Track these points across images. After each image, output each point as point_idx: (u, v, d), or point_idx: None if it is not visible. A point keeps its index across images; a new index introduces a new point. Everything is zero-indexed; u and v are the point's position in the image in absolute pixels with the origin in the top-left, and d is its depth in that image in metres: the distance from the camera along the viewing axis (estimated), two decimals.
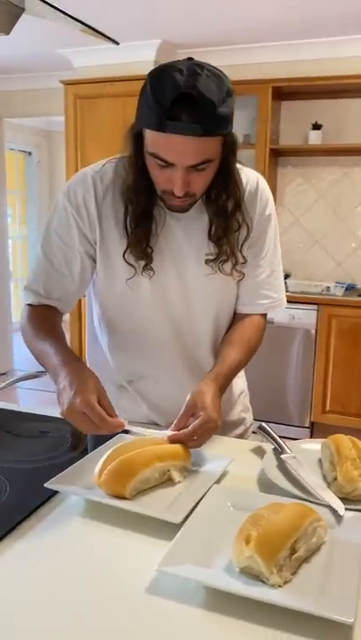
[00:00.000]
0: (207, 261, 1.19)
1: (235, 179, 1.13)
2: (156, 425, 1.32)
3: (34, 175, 6.82)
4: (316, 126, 3.69)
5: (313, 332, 3.46)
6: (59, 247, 1.20)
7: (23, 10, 0.96)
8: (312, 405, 3.53)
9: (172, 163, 1.01)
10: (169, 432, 1.07)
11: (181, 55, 3.85)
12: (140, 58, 3.76)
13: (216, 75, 1.00)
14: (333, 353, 3.46)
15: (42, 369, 1.30)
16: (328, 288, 3.59)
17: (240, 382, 1.42)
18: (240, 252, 1.18)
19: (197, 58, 1.03)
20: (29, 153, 6.75)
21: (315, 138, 3.69)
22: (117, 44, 1.00)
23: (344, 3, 3.03)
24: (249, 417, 1.44)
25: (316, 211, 3.89)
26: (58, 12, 0.85)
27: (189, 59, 1.03)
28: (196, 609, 0.72)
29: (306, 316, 3.44)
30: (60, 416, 1.32)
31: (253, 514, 0.82)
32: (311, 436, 3.52)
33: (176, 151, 1.00)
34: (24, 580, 0.77)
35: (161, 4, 3.11)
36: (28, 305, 1.24)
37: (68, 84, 3.86)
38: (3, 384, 1.38)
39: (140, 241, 1.14)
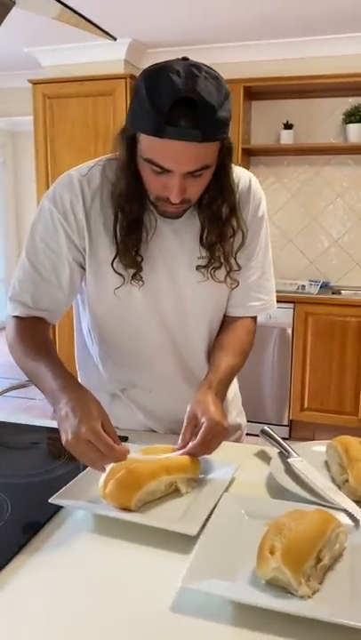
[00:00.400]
0: (198, 267, 1.15)
1: (230, 184, 1.09)
2: (153, 432, 1.28)
3: None
4: (288, 126, 3.71)
5: (289, 330, 3.48)
6: (46, 255, 1.14)
7: (14, 3, 0.91)
8: (290, 403, 3.55)
9: (170, 169, 0.97)
10: (177, 453, 1.02)
11: (151, 55, 3.83)
12: (109, 57, 3.72)
13: (214, 76, 0.96)
14: (310, 351, 3.48)
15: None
16: (303, 287, 3.61)
17: (233, 386, 1.39)
18: (234, 259, 1.15)
19: (167, 57, 0.98)
20: None
21: (286, 137, 3.70)
22: (115, 39, 0.95)
23: (312, 4, 3.06)
24: (243, 420, 1.41)
25: (289, 210, 3.91)
26: (57, 3, 0.80)
27: (184, 58, 0.99)
28: (224, 625, 0.69)
29: (282, 315, 3.46)
30: (47, 426, 1.30)
31: (275, 522, 0.80)
32: (290, 435, 3.55)
33: (174, 157, 0.96)
34: (38, 606, 0.73)
35: (131, 3, 3.07)
36: (15, 317, 1.17)
37: (36, 83, 3.77)
38: None
39: (130, 249, 1.10)
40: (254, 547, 0.78)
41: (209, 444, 1.01)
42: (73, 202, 1.11)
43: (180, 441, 1.03)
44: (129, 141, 1.01)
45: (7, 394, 4.04)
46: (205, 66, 0.96)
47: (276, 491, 1.00)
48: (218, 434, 1.02)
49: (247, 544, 0.82)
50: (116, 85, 3.59)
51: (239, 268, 1.17)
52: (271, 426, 1.37)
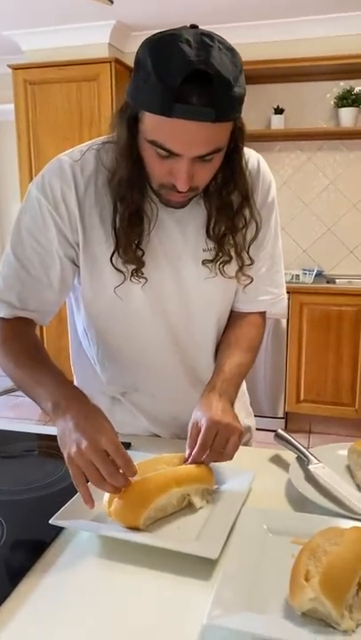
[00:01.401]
0: (205, 262, 1.04)
1: (242, 169, 0.98)
2: (157, 437, 1.19)
3: None
4: (278, 110, 3.61)
5: (284, 321, 3.40)
6: (33, 250, 1.02)
7: None
8: (286, 395, 3.48)
9: (178, 153, 0.86)
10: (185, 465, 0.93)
11: (136, 38, 3.70)
12: (93, 40, 3.58)
13: (228, 47, 0.84)
14: (306, 341, 3.41)
15: None
16: (297, 276, 3.53)
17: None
18: (247, 252, 1.05)
19: None
20: None
21: (277, 122, 3.60)
22: (112, 2, 0.84)
23: None
24: (253, 422, 1.32)
25: (281, 197, 3.76)
26: None
27: (193, 26, 0.87)
28: None
29: None
30: (40, 433, 1.19)
31: (308, 544, 0.71)
32: (286, 427, 3.48)
33: (183, 139, 0.84)
34: (49, 633, 0.63)
35: None
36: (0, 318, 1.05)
37: (16, 68, 3.62)
38: None
39: (131, 242, 0.98)
40: (283, 569, 0.70)
41: (216, 447, 0.92)
42: (64, 190, 0.99)
43: (186, 452, 0.94)
44: (130, 121, 0.89)
45: None
46: (218, 35, 0.84)
47: (298, 501, 0.92)
48: (222, 433, 0.92)
49: (275, 566, 0.74)
50: (100, 70, 3.46)
51: (252, 262, 1.06)
52: (267, 418, 1.30)
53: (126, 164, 0.93)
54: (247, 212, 1.01)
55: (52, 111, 3.59)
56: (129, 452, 0.85)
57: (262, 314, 1.20)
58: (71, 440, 0.83)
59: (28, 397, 0.98)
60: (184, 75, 0.79)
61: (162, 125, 0.84)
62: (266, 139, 3.72)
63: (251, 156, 1.07)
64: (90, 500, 0.82)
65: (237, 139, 0.93)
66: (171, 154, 0.87)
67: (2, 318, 1.05)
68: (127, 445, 1.09)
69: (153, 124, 0.85)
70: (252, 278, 1.09)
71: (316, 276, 3.58)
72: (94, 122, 3.50)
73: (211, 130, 0.84)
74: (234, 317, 1.18)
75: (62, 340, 1.10)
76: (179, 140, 0.85)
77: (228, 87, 0.82)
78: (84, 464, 0.81)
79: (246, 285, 1.10)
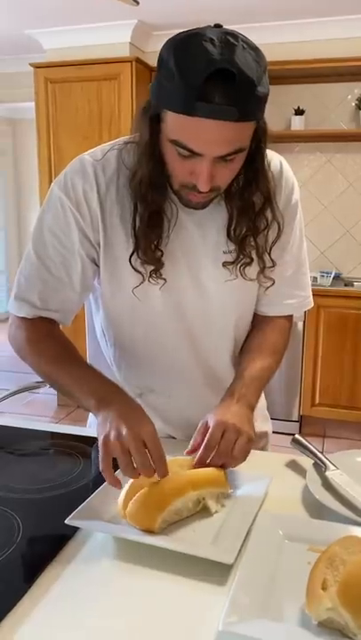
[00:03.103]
0: (225, 264, 1.03)
1: (265, 169, 0.97)
2: (172, 438, 1.18)
3: None
4: (299, 111, 3.59)
5: (300, 323, 3.37)
6: (55, 249, 1.02)
7: None
8: (301, 399, 3.45)
9: (200, 153, 0.85)
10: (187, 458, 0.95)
11: (158, 37, 3.70)
12: (114, 39, 3.59)
13: (253, 46, 0.83)
14: (322, 345, 3.38)
15: (39, 379, 1.15)
16: (315, 278, 3.50)
17: None
18: (269, 255, 1.04)
19: None
20: None
21: (297, 123, 3.59)
22: (137, 3, 0.84)
23: None
24: (269, 428, 1.31)
25: (300, 198, 3.78)
26: None
27: (217, 25, 0.86)
28: None
29: None
30: (55, 431, 1.19)
31: (325, 553, 0.70)
32: (300, 430, 3.46)
33: (206, 139, 0.84)
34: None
35: None
36: (21, 317, 1.05)
37: (38, 67, 3.64)
38: (0, 397, 1.22)
39: (151, 242, 0.98)
40: (299, 576, 0.70)
41: (222, 449, 0.92)
42: (86, 190, 0.99)
43: (190, 445, 0.96)
44: (152, 121, 0.89)
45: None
46: (241, 34, 0.84)
47: (315, 508, 0.90)
48: (229, 435, 0.92)
49: (291, 573, 0.73)
50: (121, 69, 3.46)
51: (274, 264, 1.05)
52: (281, 421, 1.30)
53: (147, 163, 0.93)
54: (269, 214, 1.00)
55: (73, 110, 3.60)
56: None
57: (288, 317, 1.19)
58: (111, 426, 0.85)
59: (63, 394, 1.01)
60: (207, 73, 0.79)
61: (184, 124, 0.84)
62: (286, 140, 3.69)
63: (273, 158, 1.06)
64: (117, 482, 0.84)
65: (260, 139, 0.92)
66: (192, 154, 0.86)
67: (23, 319, 1.05)
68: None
69: (175, 124, 0.85)
70: (274, 280, 1.08)
71: (333, 278, 3.55)
72: (114, 121, 3.51)
73: (233, 129, 0.83)
74: (259, 322, 1.17)
75: (78, 340, 1.10)
76: (201, 140, 0.84)
77: (252, 86, 0.81)
78: (119, 449, 0.83)
79: (268, 287, 1.09)
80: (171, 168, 0.92)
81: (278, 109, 3.63)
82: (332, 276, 3.54)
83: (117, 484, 0.84)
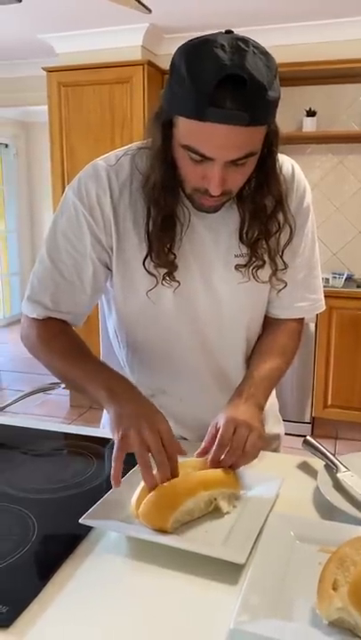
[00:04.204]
0: (238, 267, 1.05)
1: (276, 173, 0.98)
2: (184, 439, 1.19)
3: (11, 168, 6.60)
4: (311, 113, 3.59)
5: (313, 325, 3.37)
6: (68, 253, 1.04)
7: None
8: (313, 400, 3.45)
9: (211, 157, 0.87)
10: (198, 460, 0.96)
11: (170, 41, 3.71)
12: (126, 43, 3.61)
13: (263, 51, 0.84)
14: (334, 346, 3.37)
15: (54, 380, 1.17)
16: (327, 280, 3.49)
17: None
18: (281, 257, 1.05)
19: None
20: (6, 145, 6.52)
21: (309, 125, 3.58)
22: (149, 11, 0.85)
23: None
24: (281, 430, 1.31)
25: (312, 201, 3.78)
26: None
27: (228, 31, 0.88)
28: None
29: None
30: (68, 432, 1.21)
31: (336, 553, 0.71)
32: (312, 432, 3.45)
33: (217, 143, 0.85)
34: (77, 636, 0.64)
35: None
36: (34, 318, 1.08)
37: (50, 71, 3.67)
38: (15, 397, 1.23)
39: (164, 246, 1.00)
40: (310, 577, 0.70)
41: (234, 446, 0.93)
42: (100, 195, 1.01)
43: (202, 445, 0.97)
44: (164, 126, 0.90)
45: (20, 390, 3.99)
46: (252, 40, 0.85)
47: (326, 509, 0.91)
48: (240, 431, 0.94)
49: (302, 573, 0.74)
50: (133, 72, 3.48)
51: (286, 266, 1.06)
52: (293, 423, 1.31)
53: (160, 168, 0.94)
54: (281, 217, 1.01)
55: (85, 113, 3.63)
56: None
57: (299, 320, 1.20)
58: (130, 421, 0.88)
59: (75, 389, 1.03)
60: (218, 79, 0.80)
61: (195, 130, 0.85)
62: (297, 141, 3.70)
63: (285, 162, 1.07)
64: (118, 479, 0.86)
65: (271, 143, 0.93)
66: (204, 158, 0.87)
67: (35, 319, 1.07)
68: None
69: (187, 129, 0.86)
70: (286, 283, 1.09)
71: (346, 279, 3.54)
72: (126, 124, 3.53)
73: (244, 134, 0.84)
74: (270, 324, 1.18)
75: (91, 340, 1.11)
76: (212, 145, 0.85)
77: (263, 91, 0.82)
78: (138, 444, 0.86)
79: (280, 290, 1.10)
80: (183, 173, 0.93)
81: (290, 111, 3.63)
82: (345, 277, 3.53)
83: (117, 482, 0.86)
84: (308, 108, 3.59)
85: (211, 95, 0.81)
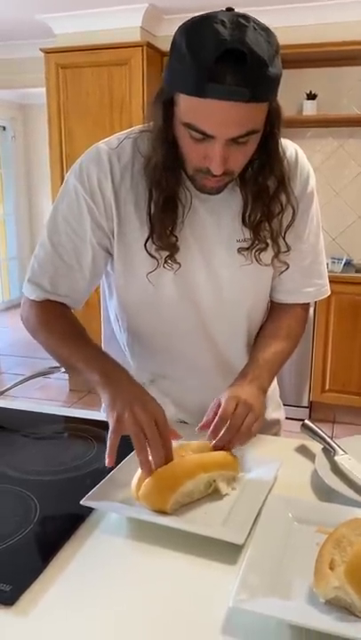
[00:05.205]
0: (240, 250, 1.05)
1: (278, 153, 0.98)
2: (185, 423, 1.20)
3: (9, 151, 6.55)
4: (311, 96, 3.56)
5: (311, 310, 3.37)
6: (68, 237, 1.04)
7: None
8: (311, 385, 3.47)
9: (212, 135, 0.86)
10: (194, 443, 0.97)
11: (169, 22, 3.67)
12: (125, 24, 3.56)
13: (263, 27, 0.84)
14: (333, 331, 3.38)
15: (54, 364, 1.18)
16: (326, 264, 3.49)
17: None
18: (283, 238, 1.04)
19: None
20: (3, 127, 6.47)
21: (310, 108, 3.55)
22: None
23: None
24: (282, 415, 1.33)
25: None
26: None
27: (229, 9, 0.87)
28: None
29: None
30: (69, 415, 1.22)
31: (333, 534, 0.72)
32: (310, 416, 3.47)
33: (218, 120, 0.85)
34: (77, 623, 0.66)
35: None
36: (34, 300, 1.09)
37: (48, 52, 3.63)
38: (15, 381, 1.24)
39: (165, 228, 1.00)
40: (307, 557, 0.72)
41: (233, 422, 0.95)
42: (101, 179, 1.01)
43: (203, 419, 1.00)
44: (165, 105, 0.90)
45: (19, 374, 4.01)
46: (253, 17, 0.84)
47: (323, 491, 0.92)
48: (240, 409, 0.96)
49: (299, 554, 0.75)
50: (131, 54, 3.44)
51: (288, 248, 1.06)
52: (291, 407, 1.33)
53: (161, 148, 0.94)
54: (283, 198, 1.01)
55: (84, 95, 3.59)
56: None
57: (305, 306, 1.20)
58: (123, 404, 0.89)
59: (73, 372, 1.04)
60: (218, 54, 0.80)
61: (196, 107, 0.85)
62: (298, 125, 3.67)
63: (288, 146, 1.07)
64: (113, 457, 0.86)
65: (273, 122, 0.93)
66: (205, 136, 0.87)
67: (35, 301, 1.08)
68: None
69: (187, 106, 0.86)
70: (288, 265, 1.09)
71: (344, 264, 3.54)
72: (125, 107, 3.49)
73: (245, 110, 0.84)
74: (275, 309, 1.19)
75: (90, 325, 1.12)
76: (213, 121, 0.85)
77: (263, 66, 0.82)
78: (133, 427, 0.87)
79: (283, 272, 1.10)
80: (184, 152, 0.93)
81: (290, 94, 3.59)
82: (344, 262, 3.53)
83: (111, 459, 0.87)
84: (308, 92, 3.56)
85: (211, 71, 0.80)
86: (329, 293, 1.19)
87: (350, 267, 3.61)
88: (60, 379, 3.98)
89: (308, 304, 1.20)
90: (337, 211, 3.81)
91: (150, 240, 1.00)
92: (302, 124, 3.67)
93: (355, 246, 3.83)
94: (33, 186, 6.84)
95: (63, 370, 1.19)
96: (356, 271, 3.53)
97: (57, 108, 3.66)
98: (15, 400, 1.39)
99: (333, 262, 3.51)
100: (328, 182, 3.77)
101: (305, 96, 3.57)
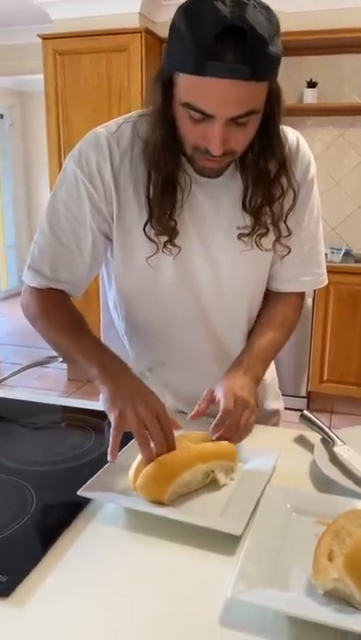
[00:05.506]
0: (240, 236, 1.04)
1: (279, 135, 0.96)
2: (183, 413, 1.20)
3: (7, 139, 6.50)
4: (312, 84, 3.52)
5: (310, 300, 3.36)
6: (67, 221, 1.04)
7: None
8: (309, 375, 3.46)
9: (211, 114, 0.85)
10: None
11: (168, 8, 3.62)
12: (124, 9, 3.51)
13: (264, 6, 0.83)
14: (331, 321, 3.37)
15: (52, 354, 1.18)
16: (325, 254, 3.47)
17: (269, 368, 1.26)
18: (285, 222, 1.03)
19: None
20: (1, 115, 6.41)
21: (310, 96, 3.52)
22: None
23: None
24: (281, 406, 1.32)
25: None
26: None
27: None
28: None
29: None
30: (67, 405, 1.21)
31: (332, 525, 0.71)
32: (308, 406, 3.48)
33: (217, 99, 0.83)
34: (73, 614, 0.65)
35: None
36: (34, 288, 1.08)
37: (46, 38, 3.58)
38: (13, 371, 1.23)
39: (165, 212, 0.98)
40: (306, 548, 0.71)
41: (231, 422, 0.95)
42: (100, 163, 1.00)
43: (196, 407, 0.99)
44: (165, 85, 0.89)
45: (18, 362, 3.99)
46: None
47: (322, 482, 0.92)
48: (238, 405, 0.96)
49: (298, 545, 0.74)
50: (130, 40, 3.40)
51: (290, 233, 1.05)
52: (289, 397, 1.32)
53: (160, 128, 0.93)
54: (284, 181, 1.00)
55: (82, 82, 3.55)
56: None
57: (301, 295, 1.19)
58: (124, 401, 0.89)
59: (72, 363, 1.03)
60: (217, 31, 0.78)
61: (195, 85, 0.83)
62: (298, 113, 3.63)
63: (289, 133, 1.05)
64: (115, 452, 0.87)
65: (273, 104, 0.91)
66: (205, 116, 0.86)
67: (35, 288, 1.07)
68: None
69: (187, 86, 0.85)
70: (290, 249, 1.07)
71: (344, 255, 3.52)
72: (123, 92, 3.46)
73: (245, 89, 0.83)
74: (271, 297, 1.18)
75: (90, 316, 1.11)
76: (212, 100, 0.84)
77: (263, 44, 0.81)
78: (136, 422, 0.87)
79: (284, 256, 1.09)
80: (183, 134, 0.91)
81: (290, 82, 3.55)
82: (343, 252, 3.52)
83: (113, 456, 0.87)
84: (308, 80, 3.53)
85: (210, 48, 0.79)
86: (326, 283, 1.18)
87: (350, 257, 3.59)
88: (59, 368, 3.98)
89: (303, 292, 1.19)
90: (336, 200, 3.78)
91: (149, 224, 0.99)
92: (302, 113, 3.64)
93: (354, 236, 3.81)
94: (31, 174, 6.79)
95: (61, 359, 1.19)
96: (356, 261, 3.52)
97: (55, 94, 3.62)
98: (13, 389, 1.39)
99: (333, 252, 3.50)
100: (328, 171, 3.75)
101: (305, 84, 3.53)
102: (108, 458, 0.86)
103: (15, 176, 6.65)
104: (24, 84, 5.86)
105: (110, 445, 0.87)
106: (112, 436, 0.87)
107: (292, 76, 3.54)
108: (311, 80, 3.53)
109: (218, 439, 0.94)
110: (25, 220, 6.83)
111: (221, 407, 0.95)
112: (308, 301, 3.37)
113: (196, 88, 0.84)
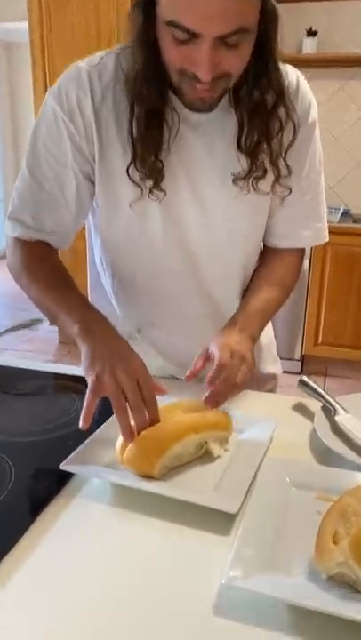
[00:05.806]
0: (235, 180, 0.95)
1: (276, 62, 0.86)
2: (175, 379, 1.13)
3: None
4: (311, 33, 3.35)
5: (306, 260, 3.28)
6: (48, 164, 0.95)
7: None
8: (303, 338, 3.41)
9: (196, 32, 0.75)
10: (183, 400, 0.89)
11: None
12: None
13: None
14: (328, 283, 3.30)
15: (37, 316, 1.10)
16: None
17: (267, 332, 1.20)
18: (284, 160, 0.94)
19: None
20: None
21: (310, 46, 3.35)
22: None
23: None
24: (278, 369, 1.26)
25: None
26: None
27: None
28: (279, 633, 0.56)
29: None
30: (53, 371, 1.14)
31: (336, 503, 0.65)
32: (302, 370, 3.44)
33: (203, 14, 0.73)
34: (47, 602, 0.59)
35: None
36: (16, 238, 1.00)
37: None
38: None
39: (150, 151, 0.89)
40: (307, 526, 0.66)
41: (227, 375, 0.87)
42: (80, 98, 0.91)
43: (192, 367, 0.91)
44: (146, 5, 0.80)
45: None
46: None
47: (323, 453, 0.86)
48: (235, 359, 0.88)
49: (298, 523, 0.69)
50: None
51: (289, 172, 0.96)
52: (283, 360, 1.26)
53: (142, 53, 0.83)
54: (283, 112, 0.90)
55: (69, 28, 3.35)
56: None
57: (300, 254, 1.11)
58: (102, 363, 0.81)
59: (52, 321, 0.95)
60: None
61: (179, 1, 0.74)
62: (296, 64, 3.42)
63: (289, 72, 0.96)
64: (89, 420, 0.79)
65: (268, 24, 0.81)
66: (191, 36, 0.76)
67: (19, 241, 0.99)
68: None
69: (169, 1, 0.75)
70: (291, 189, 0.99)
71: (342, 215, 3.42)
72: (113, 40, 3.27)
73: (232, 2, 0.73)
74: (268, 254, 1.10)
75: (77, 275, 1.03)
76: (198, 15, 0.74)
77: None
78: (113, 388, 0.79)
79: (286, 197, 1.00)
80: (167, 58, 0.81)
81: (288, 30, 3.37)
82: (341, 212, 3.41)
83: (86, 422, 0.79)
84: (308, 28, 3.35)
85: None
86: (326, 240, 1.09)
87: (348, 217, 3.50)
88: (50, 331, 3.90)
89: (303, 251, 1.11)
90: (335, 157, 3.66)
91: (133, 165, 0.90)
92: (301, 64, 3.44)
93: (353, 196, 3.70)
94: (19, 129, 6.57)
95: (48, 323, 1.12)
96: (354, 221, 3.43)
97: (40, 42, 3.42)
98: (3, 353, 1.31)
99: (330, 212, 3.39)
100: (327, 127, 3.60)
101: (305, 33, 3.36)
102: (80, 424, 0.79)
103: (2, 131, 6.44)
104: (10, 33, 5.58)
105: (84, 410, 0.79)
106: (86, 400, 0.79)
107: (289, 23, 3.34)
108: (311, 28, 3.35)
109: (212, 395, 0.87)
110: (13, 174, 6.63)
111: (217, 361, 0.88)
112: (305, 262, 3.27)
113: (179, 4, 0.74)
